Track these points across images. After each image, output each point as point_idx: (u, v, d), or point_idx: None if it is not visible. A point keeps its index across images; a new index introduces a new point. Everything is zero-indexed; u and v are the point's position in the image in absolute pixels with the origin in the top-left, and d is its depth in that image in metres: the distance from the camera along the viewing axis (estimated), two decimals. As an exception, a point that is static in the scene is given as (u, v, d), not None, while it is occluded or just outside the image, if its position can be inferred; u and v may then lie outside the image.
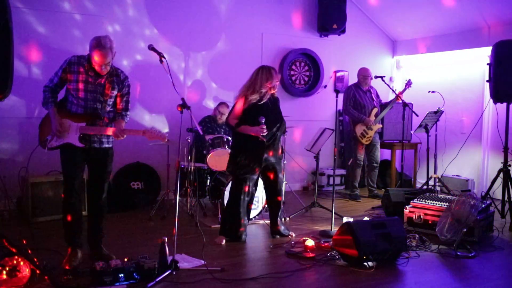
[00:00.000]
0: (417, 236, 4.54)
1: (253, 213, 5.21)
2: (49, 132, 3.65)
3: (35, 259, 3.36)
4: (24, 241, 3.76)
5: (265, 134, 4.36)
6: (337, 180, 7.50)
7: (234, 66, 6.72)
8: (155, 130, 3.67)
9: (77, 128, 3.58)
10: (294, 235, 4.71)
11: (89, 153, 3.68)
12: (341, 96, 6.48)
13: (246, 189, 4.46)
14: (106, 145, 3.75)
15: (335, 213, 4.91)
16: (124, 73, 3.79)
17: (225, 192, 5.05)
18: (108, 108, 3.71)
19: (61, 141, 3.60)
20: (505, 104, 5.42)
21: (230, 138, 5.33)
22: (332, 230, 4.68)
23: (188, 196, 5.37)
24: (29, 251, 3.42)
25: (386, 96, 7.53)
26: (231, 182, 4.67)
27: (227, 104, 5.97)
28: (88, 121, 3.61)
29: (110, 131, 3.65)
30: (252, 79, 4.45)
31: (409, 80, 6.51)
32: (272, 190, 4.67)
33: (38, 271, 3.26)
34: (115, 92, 3.72)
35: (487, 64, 5.44)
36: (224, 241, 4.45)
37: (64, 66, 3.60)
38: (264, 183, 4.73)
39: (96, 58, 3.49)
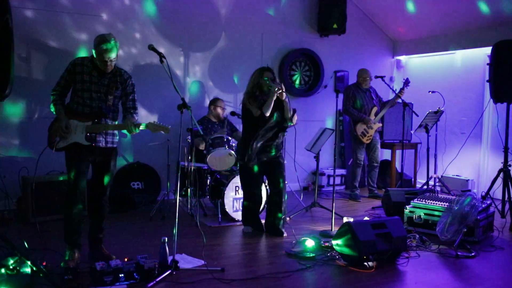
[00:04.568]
0: (417, 236, 4.54)
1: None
2: (57, 133, 3.67)
3: (35, 259, 3.35)
4: (26, 245, 3.77)
5: (281, 89, 4.50)
6: (337, 180, 7.51)
7: (234, 66, 6.73)
8: (158, 123, 3.69)
9: (83, 127, 3.61)
10: (285, 234, 4.72)
11: (94, 152, 3.70)
12: (341, 96, 6.48)
13: (257, 181, 4.70)
14: (111, 145, 3.78)
15: (335, 213, 4.92)
16: (127, 73, 3.83)
17: (225, 192, 5.06)
18: (112, 108, 3.74)
19: (68, 142, 3.63)
20: (505, 104, 5.42)
21: (230, 138, 5.33)
22: (332, 230, 4.69)
23: (188, 196, 5.37)
24: (29, 252, 3.42)
25: (387, 96, 7.53)
26: (240, 177, 4.81)
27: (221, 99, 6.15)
28: (94, 120, 3.64)
29: (122, 126, 3.68)
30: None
31: (407, 78, 6.52)
32: (274, 187, 4.74)
33: (38, 271, 3.26)
34: (119, 92, 3.75)
35: (487, 64, 5.44)
36: (250, 228, 4.81)
37: (69, 68, 3.67)
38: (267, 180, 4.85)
39: (101, 54, 3.51)
